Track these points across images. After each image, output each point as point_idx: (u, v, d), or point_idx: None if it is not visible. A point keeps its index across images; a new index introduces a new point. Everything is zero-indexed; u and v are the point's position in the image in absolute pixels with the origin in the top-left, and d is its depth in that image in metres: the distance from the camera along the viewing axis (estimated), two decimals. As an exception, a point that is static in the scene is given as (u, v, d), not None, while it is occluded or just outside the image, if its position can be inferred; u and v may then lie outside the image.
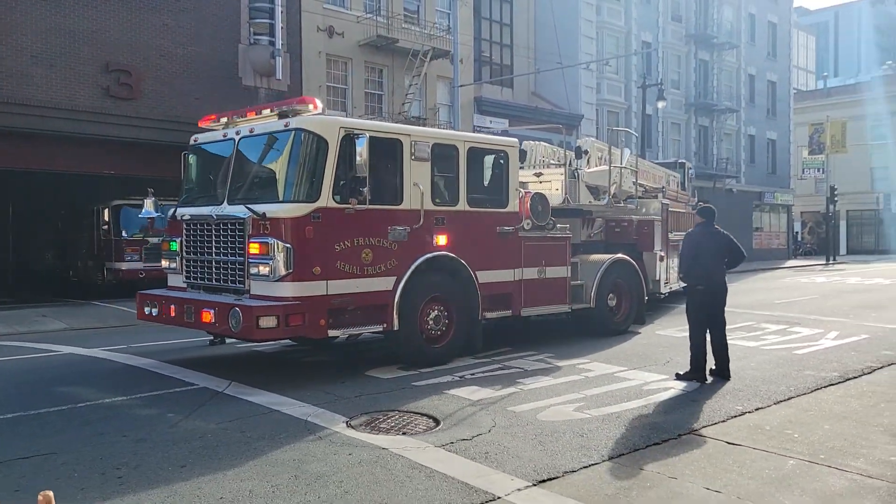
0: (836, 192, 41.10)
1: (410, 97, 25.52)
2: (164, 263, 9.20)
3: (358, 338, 9.49)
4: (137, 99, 19.33)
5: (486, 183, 9.77)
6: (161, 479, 4.89)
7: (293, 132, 7.90)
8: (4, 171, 18.82)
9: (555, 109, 31.98)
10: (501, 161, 9.78)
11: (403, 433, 5.95)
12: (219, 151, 8.95)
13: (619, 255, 11.68)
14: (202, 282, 8.51)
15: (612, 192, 12.57)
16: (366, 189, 7.79)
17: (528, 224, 9.82)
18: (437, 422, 6.23)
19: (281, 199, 7.77)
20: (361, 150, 7.57)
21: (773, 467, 5.13)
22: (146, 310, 8.98)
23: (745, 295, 18.53)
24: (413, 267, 8.36)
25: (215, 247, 8.27)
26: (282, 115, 8.38)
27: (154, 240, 21.22)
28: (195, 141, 9.48)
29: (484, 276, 9.19)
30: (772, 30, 44.70)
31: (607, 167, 12.97)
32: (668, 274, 13.99)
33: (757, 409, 6.72)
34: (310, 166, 7.79)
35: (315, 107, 8.26)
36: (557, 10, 31.97)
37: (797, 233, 52.27)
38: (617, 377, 8.10)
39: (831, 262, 39.39)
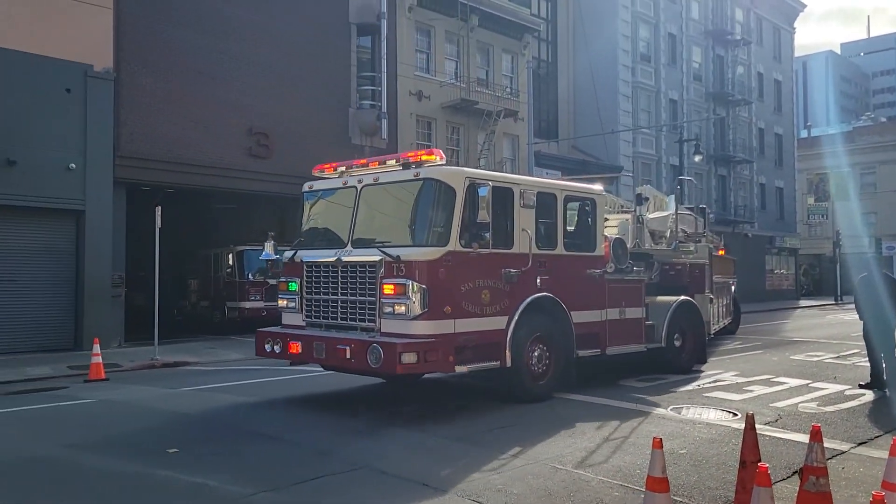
0: (840, 237, 44.62)
1: (485, 153, 28.32)
2: (282, 303, 9.63)
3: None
4: (271, 157, 21.80)
5: (577, 228, 10.39)
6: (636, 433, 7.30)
7: (423, 181, 8.50)
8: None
9: (597, 161, 35.00)
10: (589, 208, 10.42)
11: (719, 416, 8.42)
12: (338, 198, 9.43)
13: (684, 297, 12.20)
14: (323, 320, 9.02)
15: (668, 236, 13.36)
16: (488, 234, 8.43)
17: (610, 267, 10.33)
18: (734, 414, 8.69)
19: (412, 243, 8.35)
20: (485, 197, 8.23)
21: None
22: (266, 347, 9.46)
23: (820, 329, 21.29)
24: (522, 307, 8.93)
25: (342, 287, 8.79)
26: (405, 166, 8.96)
27: (273, 281, 23.61)
28: (310, 188, 9.97)
29: (577, 317, 9.75)
30: (777, 87, 48.63)
31: (667, 213, 13.91)
32: (714, 316, 14.42)
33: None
34: (440, 213, 8.38)
35: (441, 158, 8.83)
36: (596, 70, 35.30)
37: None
38: (812, 387, 10.62)
39: (840, 301, 42.53)
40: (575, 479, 5.97)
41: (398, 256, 8.13)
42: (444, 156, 8.93)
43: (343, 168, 9.70)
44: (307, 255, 9.33)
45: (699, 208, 23.62)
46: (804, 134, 72.05)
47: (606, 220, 12.43)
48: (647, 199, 13.85)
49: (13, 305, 16.49)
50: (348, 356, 8.19)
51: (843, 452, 6.98)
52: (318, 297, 9.10)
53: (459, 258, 8.28)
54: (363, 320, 8.49)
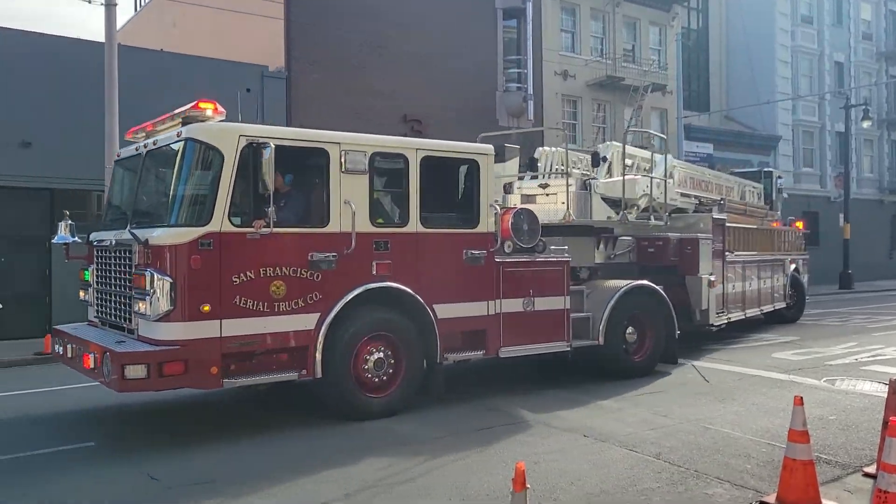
0: None
1: (632, 128, 28.19)
2: (81, 294, 8.27)
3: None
4: (425, 143, 23.09)
5: (448, 198, 8.33)
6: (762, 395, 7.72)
7: (184, 142, 6.77)
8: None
9: (753, 132, 33.64)
10: (470, 172, 8.27)
11: (874, 388, 8.55)
12: (132, 167, 7.85)
13: (640, 282, 9.80)
14: (106, 317, 7.57)
15: (642, 205, 10.88)
16: (270, 209, 6.61)
17: (508, 246, 8.30)
18: (883, 384, 8.72)
19: (169, 222, 6.69)
20: (265, 161, 6.47)
21: None
22: (56, 347, 7.97)
23: None
24: (343, 301, 7.10)
25: (113, 277, 7.37)
26: (185, 123, 7.07)
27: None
28: (118, 156, 8.44)
29: (445, 311, 7.76)
30: (961, 41, 44.00)
31: (632, 176, 11.08)
32: (723, 302, 11.89)
33: None
34: (200, 183, 6.74)
35: (216, 111, 7.02)
36: (751, 36, 33.81)
37: None
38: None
39: None
40: (724, 437, 6.52)
41: (146, 240, 6.58)
42: (220, 109, 7.08)
43: (146, 131, 7.94)
44: (98, 237, 7.90)
45: (764, 171, 19.45)
46: None
47: (546, 185, 10.60)
48: (604, 158, 11.18)
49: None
50: (92, 366, 6.72)
51: None
52: (101, 287, 7.71)
53: (228, 241, 6.54)
54: (124, 319, 7.04)
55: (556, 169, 11.49)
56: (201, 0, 21.07)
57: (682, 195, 12.23)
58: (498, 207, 8.34)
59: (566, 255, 8.95)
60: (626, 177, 10.52)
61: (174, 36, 25.68)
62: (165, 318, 6.38)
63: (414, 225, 7.66)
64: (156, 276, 6.36)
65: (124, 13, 27.63)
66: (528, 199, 10.22)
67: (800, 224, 17.61)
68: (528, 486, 3.59)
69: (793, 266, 15.87)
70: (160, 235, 6.53)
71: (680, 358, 10.73)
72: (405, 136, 22.67)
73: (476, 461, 5.92)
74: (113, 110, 13.21)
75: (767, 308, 14.27)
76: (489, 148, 8.41)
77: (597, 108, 28.38)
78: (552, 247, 8.89)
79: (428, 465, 5.85)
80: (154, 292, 6.36)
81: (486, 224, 8.15)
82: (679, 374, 9.69)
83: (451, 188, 8.34)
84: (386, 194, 7.89)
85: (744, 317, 12.83)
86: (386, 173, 7.84)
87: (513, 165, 10.23)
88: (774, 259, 14.68)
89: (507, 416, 7.47)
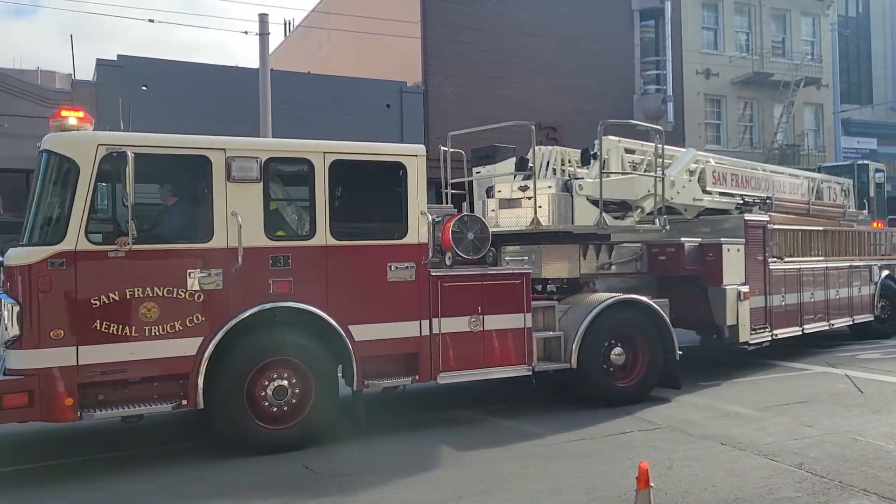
0: None
1: (783, 126, 26.77)
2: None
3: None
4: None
5: (368, 207, 7.53)
6: None
7: (41, 155, 6.35)
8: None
9: (925, 124, 30.87)
10: (395, 177, 7.30)
11: None
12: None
13: (627, 296, 8.57)
14: None
15: (648, 207, 9.31)
16: (130, 224, 5.99)
17: (449, 258, 7.45)
18: None
19: (23, 241, 6.28)
20: (126, 173, 5.90)
21: None
22: None
23: None
24: (230, 324, 6.40)
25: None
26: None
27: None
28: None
29: (364, 332, 6.93)
30: None
31: (622, 175, 9.50)
32: (765, 317, 10.24)
33: None
34: (57, 198, 6.25)
35: (81, 120, 6.31)
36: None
37: None
38: None
39: None
40: (875, 449, 6.19)
41: (1, 261, 6.25)
42: (89, 117, 6.43)
43: None
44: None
45: (858, 164, 17.11)
46: None
47: (526, 188, 8.93)
48: (594, 155, 9.36)
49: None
50: None
51: None
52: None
53: (86, 260, 6.00)
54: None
55: (553, 169, 10.04)
56: (343, 24, 22.33)
57: (722, 194, 10.74)
58: (430, 216, 7.33)
59: (525, 266, 7.99)
60: (609, 177, 8.93)
61: (319, 58, 27.33)
62: (14, 345, 5.91)
63: (322, 237, 6.83)
64: (3, 300, 5.97)
65: (274, 39, 29.68)
66: (508, 203, 9.23)
67: (878, 224, 14.88)
68: (652, 484, 3.68)
69: (885, 273, 13.48)
70: (10, 255, 6.10)
71: (831, 367, 10.22)
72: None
73: (609, 464, 5.99)
74: (267, 130, 14.37)
75: (842, 322, 12.24)
76: (418, 148, 7.50)
77: (743, 107, 27.23)
78: (508, 258, 8.05)
79: (561, 466, 5.98)
80: (3, 317, 5.95)
81: (417, 234, 7.21)
82: (829, 385, 9.19)
83: (371, 195, 7.54)
84: (288, 204, 7.22)
85: (800, 333, 11.09)
86: (287, 181, 7.19)
87: (505, 167, 9.64)
88: (853, 265, 12.63)
89: (644, 422, 7.44)
